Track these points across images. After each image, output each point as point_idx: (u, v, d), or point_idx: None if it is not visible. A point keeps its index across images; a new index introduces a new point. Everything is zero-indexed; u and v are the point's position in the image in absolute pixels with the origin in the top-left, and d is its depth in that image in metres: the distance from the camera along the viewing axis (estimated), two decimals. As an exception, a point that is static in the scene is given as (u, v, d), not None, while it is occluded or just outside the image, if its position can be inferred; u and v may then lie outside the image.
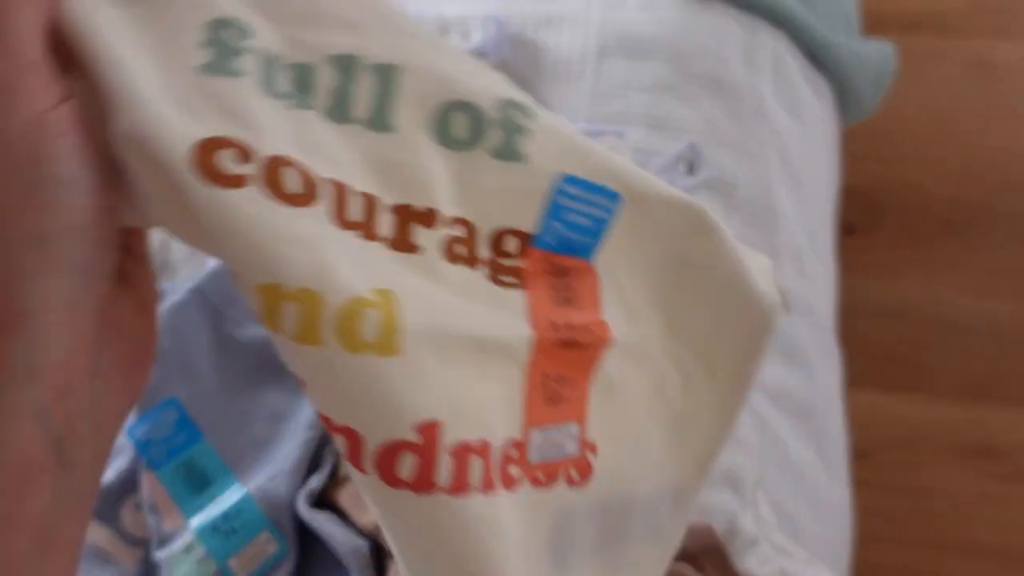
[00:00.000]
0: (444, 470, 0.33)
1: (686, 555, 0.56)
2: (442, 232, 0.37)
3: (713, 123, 0.80)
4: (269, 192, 0.31)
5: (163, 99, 0.30)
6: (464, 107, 0.37)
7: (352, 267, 0.32)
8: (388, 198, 0.35)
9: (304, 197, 0.32)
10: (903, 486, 1.26)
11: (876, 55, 1.00)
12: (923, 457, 1.27)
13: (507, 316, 0.37)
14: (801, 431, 0.72)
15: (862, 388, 1.21)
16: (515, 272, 0.39)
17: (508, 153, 0.38)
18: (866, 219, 1.41)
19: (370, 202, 0.35)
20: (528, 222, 0.39)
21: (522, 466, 0.37)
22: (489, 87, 0.38)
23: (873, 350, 1.32)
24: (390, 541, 0.35)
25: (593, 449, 0.40)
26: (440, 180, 0.37)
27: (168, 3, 0.32)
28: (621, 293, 0.41)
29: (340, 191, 0.34)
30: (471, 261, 0.37)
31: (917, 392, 1.31)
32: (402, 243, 0.35)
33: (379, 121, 0.36)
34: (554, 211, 0.39)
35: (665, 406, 0.42)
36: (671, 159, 0.75)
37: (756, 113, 0.82)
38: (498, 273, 0.38)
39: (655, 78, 0.81)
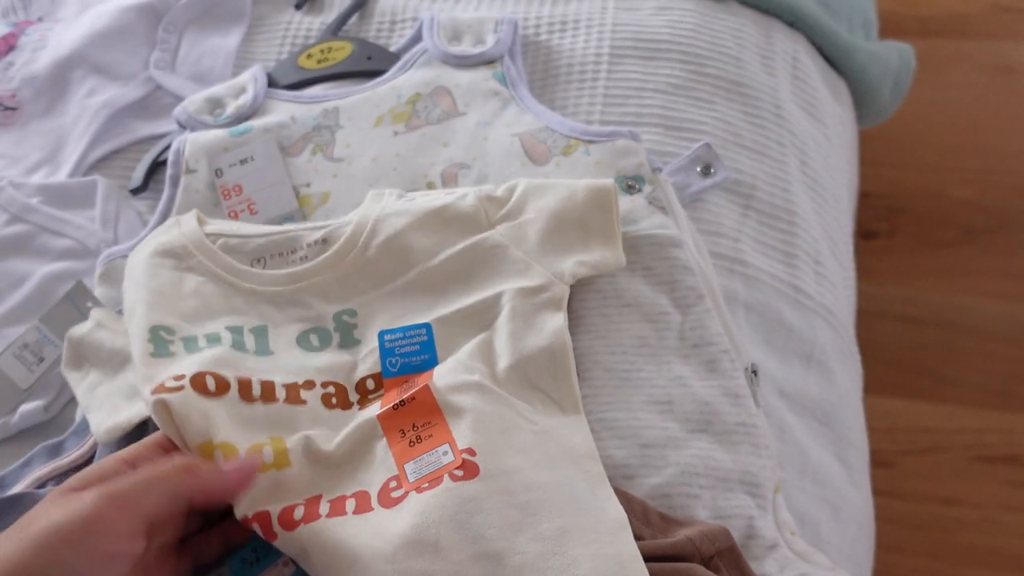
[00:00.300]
0: (324, 508, 0.53)
1: (702, 557, 0.55)
2: (319, 392, 0.60)
3: (730, 125, 0.79)
4: (196, 392, 0.56)
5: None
6: (314, 330, 0.63)
7: (253, 428, 0.56)
8: (279, 381, 0.59)
9: (218, 392, 0.57)
10: (926, 495, 1.23)
11: (895, 57, 0.99)
12: (946, 465, 1.25)
13: (361, 418, 0.57)
14: (821, 436, 0.71)
15: (882, 395, 1.20)
16: (379, 398, 0.59)
17: (348, 343, 0.63)
18: (886, 224, 1.39)
19: (268, 386, 0.58)
20: (377, 367, 0.60)
21: (404, 486, 0.53)
22: (326, 310, 0.64)
23: (893, 356, 1.30)
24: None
25: (471, 452, 0.53)
26: (311, 368, 0.61)
27: (130, 315, 0.62)
28: (460, 363, 0.59)
29: (245, 384, 0.58)
30: (345, 405, 0.60)
31: (938, 399, 1.28)
32: (293, 399, 0.58)
33: (263, 350, 0.61)
34: (385, 353, 0.61)
35: (528, 423, 0.56)
36: (686, 160, 0.74)
37: (774, 115, 0.81)
38: (366, 405, 0.59)
39: (670, 80, 0.80)
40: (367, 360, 0.62)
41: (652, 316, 0.65)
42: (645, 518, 0.57)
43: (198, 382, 0.56)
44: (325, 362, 0.61)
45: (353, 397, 0.60)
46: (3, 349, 0.72)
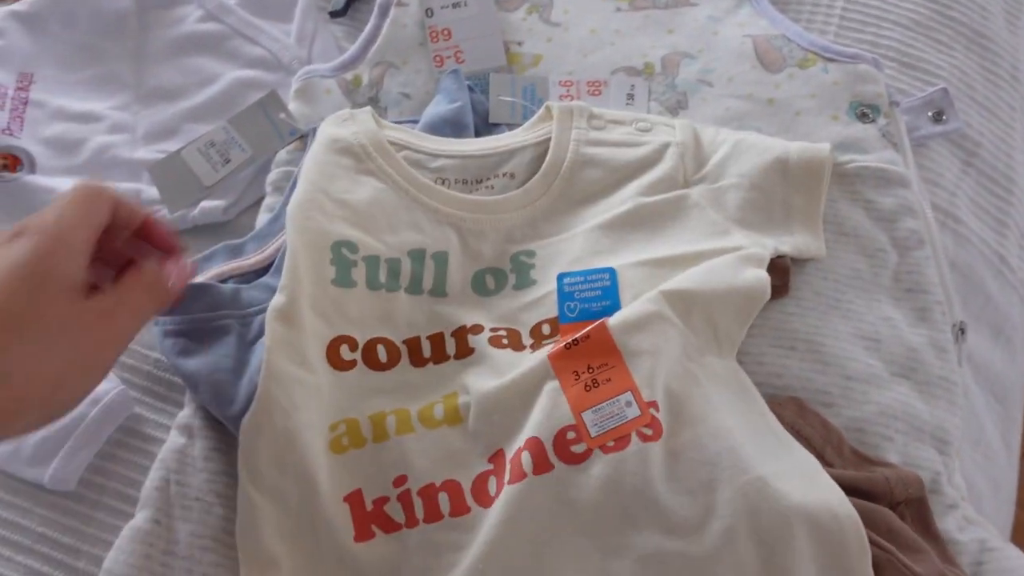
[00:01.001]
0: (507, 474, 0.50)
1: (892, 500, 0.53)
2: (488, 335, 0.56)
3: (965, 75, 0.74)
4: (367, 367, 0.55)
5: (311, 310, 0.55)
6: (489, 271, 0.59)
7: (427, 392, 0.55)
8: (447, 331, 0.57)
9: (389, 363, 0.56)
10: None
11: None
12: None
13: (533, 361, 0.53)
14: (995, 412, 0.68)
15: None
16: (554, 342, 0.55)
17: (523, 283, 0.59)
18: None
19: (437, 340, 0.56)
20: (554, 312, 0.56)
21: (585, 441, 0.49)
22: (506, 250, 0.60)
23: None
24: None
25: (656, 407, 0.50)
26: (480, 314, 0.57)
27: (305, 230, 0.56)
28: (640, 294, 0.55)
29: (414, 345, 0.56)
30: (517, 347, 0.56)
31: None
32: (462, 352, 0.56)
33: (439, 289, 0.58)
34: (563, 297, 0.56)
35: (692, 363, 0.53)
36: (919, 102, 0.70)
37: (1010, 75, 0.76)
38: (540, 348, 0.55)
39: (912, 15, 0.75)
40: (543, 304, 0.57)
41: (869, 251, 0.62)
42: (839, 449, 0.55)
43: (369, 354, 0.55)
44: (498, 309, 0.58)
45: (527, 341, 0.56)
46: (189, 143, 0.70)
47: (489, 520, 0.49)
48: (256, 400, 0.52)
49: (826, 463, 0.54)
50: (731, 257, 0.57)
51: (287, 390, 0.52)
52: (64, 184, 0.69)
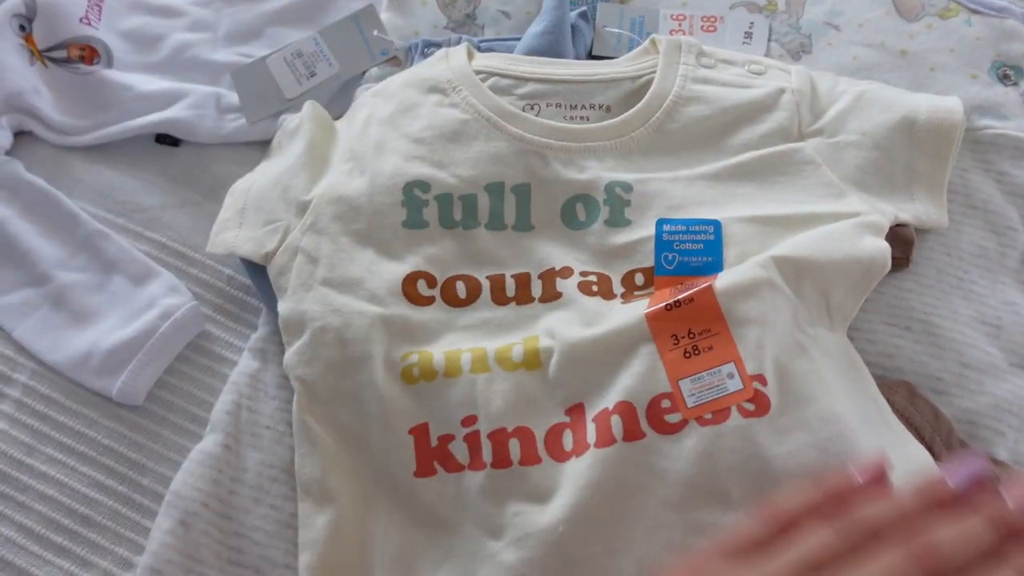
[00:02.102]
0: (591, 434, 0.47)
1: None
2: (578, 280, 0.52)
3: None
4: (446, 304, 0.52)
5: (381, 251, 0.53)
6: (581, 198, 0.54)
7: (507, 332, 0.51)
8: (535, 271, 0.53)
9: (469, 299, 0.53)
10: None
11: None
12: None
13: (627, 315, 0.49)
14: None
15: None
16: (647, 296, 0.51)
17: (617, 221, 0.54)
18: None
19: (523, 280, 0.53)
20: (649, 260, 0.52)
21: (681, 411, 0.46)
22: (600, 176, 0.54)
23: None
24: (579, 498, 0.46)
25: (763, 381, 0.46)
26: (569, 255, 0.53)
27: (378, 174, 0.55)
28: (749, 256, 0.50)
29: (497, 282, 0.53)
30: (606, 295, 0.52)
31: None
32: (548, 296, 0.52)
33: (523, 223, 0.54)
34: (661, 246, 0.52)
35: (801, 334, 0.49)
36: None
37: None
38: (631, 300, 0.51)
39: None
40: (638, 250, 0.53)
41: (998, 228, 0.58)
42: (948, 441, 0.51)
43: (448, 291, 0.52)
44: (588, 246, 0.54)
45: (617, 290, 0.52)
46: (276, 51, 0.66)
47: (572, 481, 0.46)
48: (312, 330, 0.50)
49: (934, 455, 0.51)
50: (848, 224, 0.52)
51: (348, 320, 0.50)
52: (141, 82, 0.66)
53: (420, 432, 0.49)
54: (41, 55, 0.67)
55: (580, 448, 0.47)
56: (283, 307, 0.52)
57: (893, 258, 0.53)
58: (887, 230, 0.53)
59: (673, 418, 0.46)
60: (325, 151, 0.58)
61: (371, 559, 0.48)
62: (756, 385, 0.46)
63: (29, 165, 0.63)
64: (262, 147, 0.64)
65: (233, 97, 0.66)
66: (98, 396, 0.56)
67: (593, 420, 0.47)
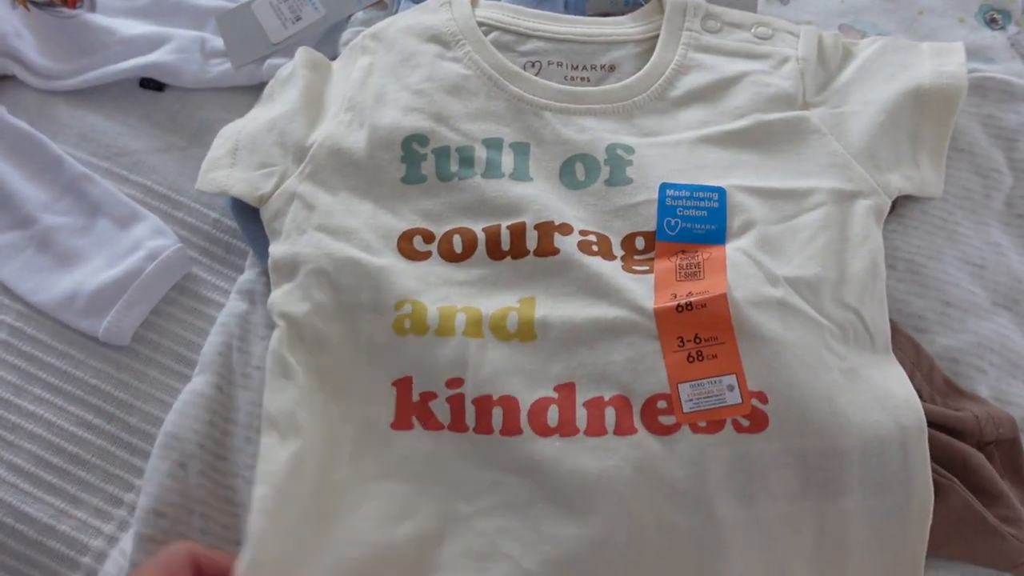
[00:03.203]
0: (581, 419, 0.46)
1: (981, 440, 0.50)
2: (577, 239, 0.50)
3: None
4: (443, 258, 0.51)
5: (379, 206, 0.53)
6: (580, 157, 0.53)
7: (502, 290, 0.50)
8: (531, 221, 0.51)
9: (465, 254, 0.51)
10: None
11: None
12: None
13: (632, 298, 0.48)
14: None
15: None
16: (648, 262, 0.50)
17: (618, 180, 0.52)
18: None
19: (518, 231, 0.51)
20: (650, 224, 0.51)
21: (676, 415, 0.45)
22: (601, 137, 0.53)
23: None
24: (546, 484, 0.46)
25: (763, 399, 0.45)
26: (568, 212, 0.52)
27: (377, 128, 0.54)
28: (758, 266, 0.48)
29: (493, 235, 0.51)
30: (607, 256, 0.50)
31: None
32: (544, 249, 0.50)
33: (521, 174, 0.53)
34: (664, 211, 0.51)
35: (835, 358, 0.47)
36: (1054, 12, 0.64)
37: None
38: (632, 265, 0.50)
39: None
40: (639, 212, 0.51)
41: (983, 170, 0.58)
42: (930, 376, 0.52)
43: (445, 245, 0.51)
44: (587, 205, 0.52)
45: (617, 251, 0.51)
46: (260, -7, 0.66)
47: (557, 463, 0.45)
48: (305, 272, 0.50)
49: (915, 391, 0.51)
50: (848, 216, 0.51)
51: (341, 265, 0.50)
52: (125, 27, 0.66)
53: (403, 385, 0.49)
54: (23, -2, 0.66)
55: (567, 430, 0.46)
56: (276, 249, 0.52)
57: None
58: (888, 209, 0.52)
59: (667, 420, 0.45)
60: (321, 95, 0.57)
61: (326, 502, 0.47)
62: (755, 402, 0.45)
63: (12, 109, 0.63)
64: (248, 92, 0.64)
65: (218, 41, 0.65)
66: (85, 337, 0.56)
67: (584, 405, 0.46)
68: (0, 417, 0.54)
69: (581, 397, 0.47)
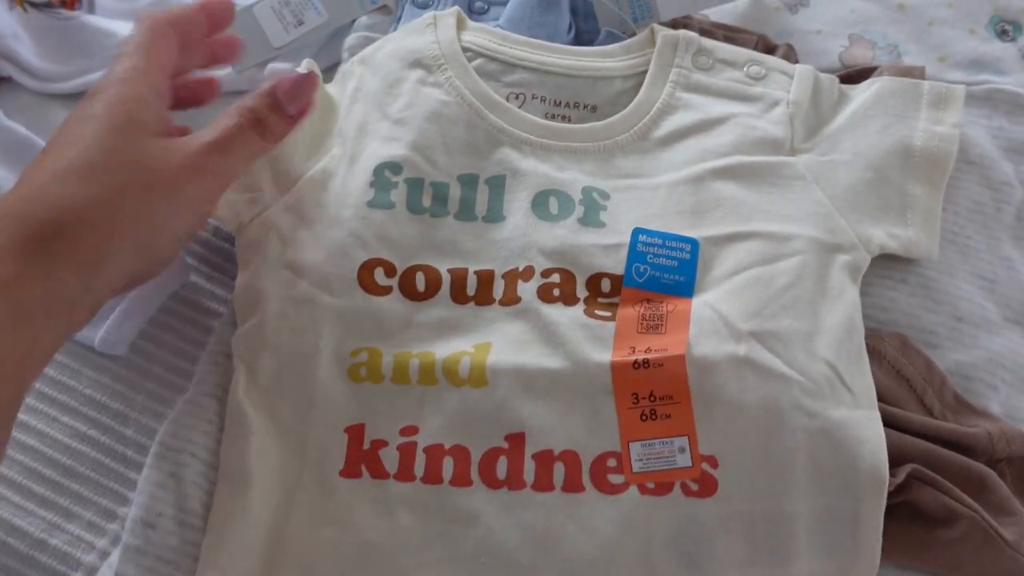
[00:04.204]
0: (529, 472, 0.45)
1: (992, 457, 0.50)
2: (539, 282, 0.49)
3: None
4: (403, 295, 0.50)
5: (343, 232, 0.51)
6: (555, 192, 0.52)
7: (460, 335, 0.48)
8: (499, 269, 0.50)
9: (427, 293, 0.50)
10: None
11: None
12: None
13: (588, 349, 0.46)
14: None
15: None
16: (611, 307, 0.48)
17: (591, 221, 0.51)
18: None
19: (486, 278, 0.50)
20: (617, 267, 0.49)
21: (625, 474, 0.45)
22: (578, 179, 0.52)
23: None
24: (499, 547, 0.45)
25: (711, 462, 0.45)
26: (537, 245, 0.50)
27: (356, 158, 0.53)
28: (724, 321, 0.46)
29: (459, 278, 0.50)
30: (569, 300, 0.48)
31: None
32: (509, 299, 0.49)
33: (495, 214, 0.52)
34: (634, 256, 0.49)
35: (803, 416, 0.45)
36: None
37: None
38: (594, 309, 0.48)
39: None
40: (609, 254, 0.50)
41: (994, 183, 0.57)
42: (941, 393, 0.51)
43: (407, 281, 0.50)
44: (558, 237, 0.50)
45: (581, 293, 0.49)
46: (262, -3, 0.65)
47: (503, 517, 0.45)
48: (265, 312, 0.49)
49: (925, 408, 0.50)
50: (825, 268, 0.49)
51: (300, 309, 0.49)
52: (124, 29, 0.65)
53: (355, 432, 0.47)
54: (21, -1, 0.65)
55: (514, 483, 0.45)
56: (242, 279, 0.51)
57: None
58: (865, 268, 0.51)
59: (616, 479, 0.45)
60: (321, 129, 0.55)
61: (277, 551, 0.46)
62: (704, 466, 0.44)
63: (9, 112, 0.62)
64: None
65: (218, 46, 0.64)
66: (80, 346, 0.55)
67: (533, 457, 0.46)
68: (-8, 427, 0.53)
69: (530, 449, 0.46)
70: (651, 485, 0.45)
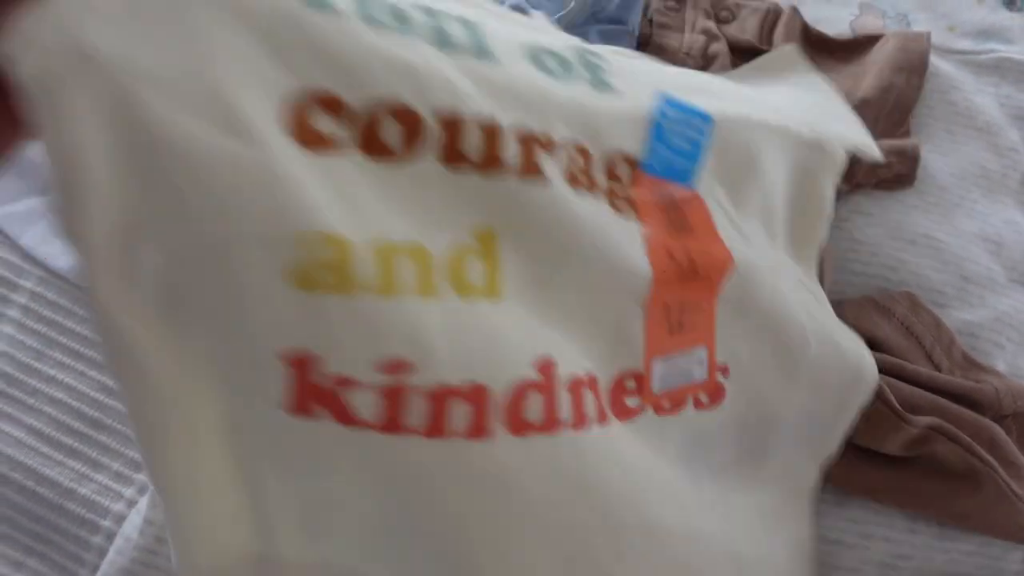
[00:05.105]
0: (564, 406, 0.33)
1: (999, 412, 0.51)
2: (563, 160, 0.35)
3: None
4: (364, 154, 0.30)
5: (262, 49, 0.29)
6: (548, 52, 0.37)
7: (456, 214, 0.32)
8: (505, 120, 0.33)
9: (407, 148, 0.31)
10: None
11: None
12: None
13: (625, 255, 0.36)
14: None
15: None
16: (629, 202, 0.37)
17: (600, 84, 0.37)
18: None
19: (491, 132, 0.33)
20: (636, 147, 0.38)
21: (643, 396, 0.37)
22: (568, 40, 0.39)
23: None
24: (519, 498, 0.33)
25: (724, 371, 0.40)
26: (549, 102, 0.35)
27: None
28: (728, 216, 0.41)
29: (452, 127, 0.32)
30: (590, 186, 0.36)
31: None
32: (528, 167, 0.33)
33: (481, 50, 0.34)
34: (658, 133, 0.38)
35: (811, 319, 0.42)
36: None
37: None
38: (615, 199, 0.37)
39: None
40: (625, 124, 0.38)
41: (1000, 149, 0.58)
42: (949, 350, 0.52)
43: (368, 131, 0.30)
44: (568, 101, 0.36)
45: (601, 180, 0.36)
46: None
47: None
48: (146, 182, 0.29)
49: (934, 364, 0.52)
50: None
51: (193, 165, 0.28)
52: None
53: (301, 363, 0.30)
54: None
55: (549, 425, 0.33)
56: None
57: (898, 175, 0.54)
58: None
59: (633, 403, 0.37)
60: None
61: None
62: (718, 376, 0.40)
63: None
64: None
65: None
66: (106, 302, 0.56)
67: (568, 389, 0.34)
68: (21, 382, 0.54)
69: (561, 371, 0.34)
70: (667, 405, 0.38)
